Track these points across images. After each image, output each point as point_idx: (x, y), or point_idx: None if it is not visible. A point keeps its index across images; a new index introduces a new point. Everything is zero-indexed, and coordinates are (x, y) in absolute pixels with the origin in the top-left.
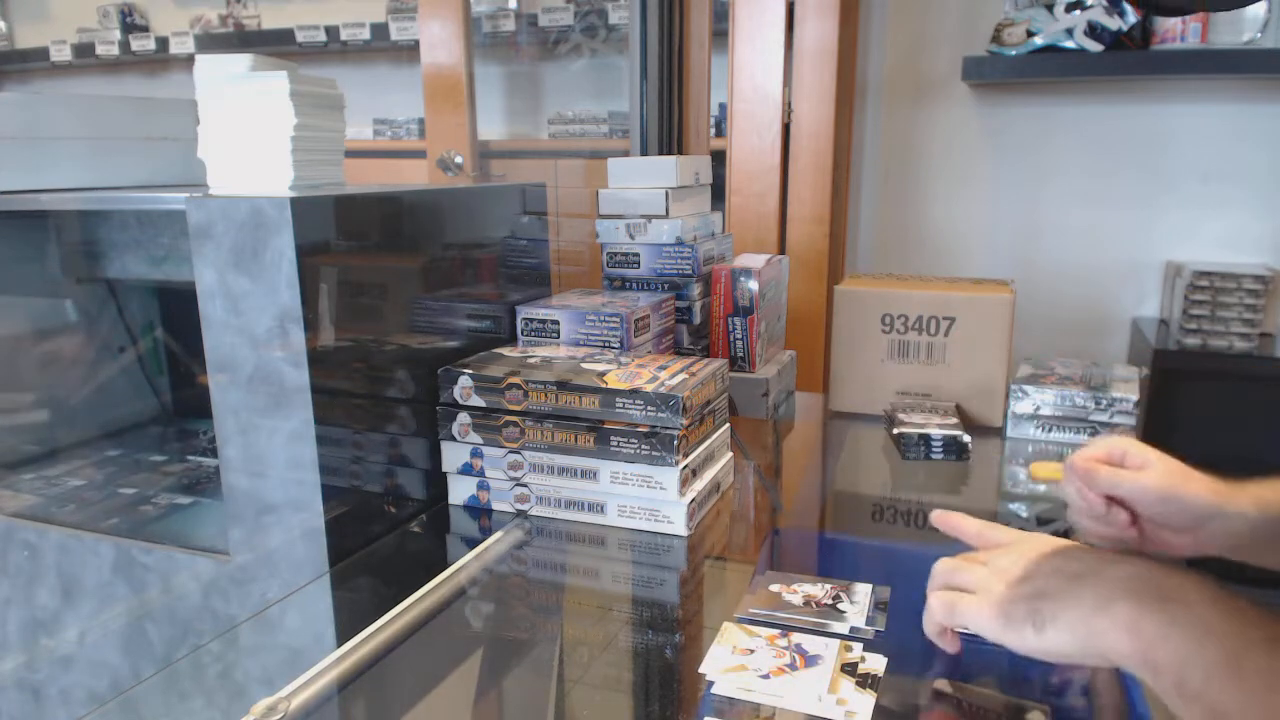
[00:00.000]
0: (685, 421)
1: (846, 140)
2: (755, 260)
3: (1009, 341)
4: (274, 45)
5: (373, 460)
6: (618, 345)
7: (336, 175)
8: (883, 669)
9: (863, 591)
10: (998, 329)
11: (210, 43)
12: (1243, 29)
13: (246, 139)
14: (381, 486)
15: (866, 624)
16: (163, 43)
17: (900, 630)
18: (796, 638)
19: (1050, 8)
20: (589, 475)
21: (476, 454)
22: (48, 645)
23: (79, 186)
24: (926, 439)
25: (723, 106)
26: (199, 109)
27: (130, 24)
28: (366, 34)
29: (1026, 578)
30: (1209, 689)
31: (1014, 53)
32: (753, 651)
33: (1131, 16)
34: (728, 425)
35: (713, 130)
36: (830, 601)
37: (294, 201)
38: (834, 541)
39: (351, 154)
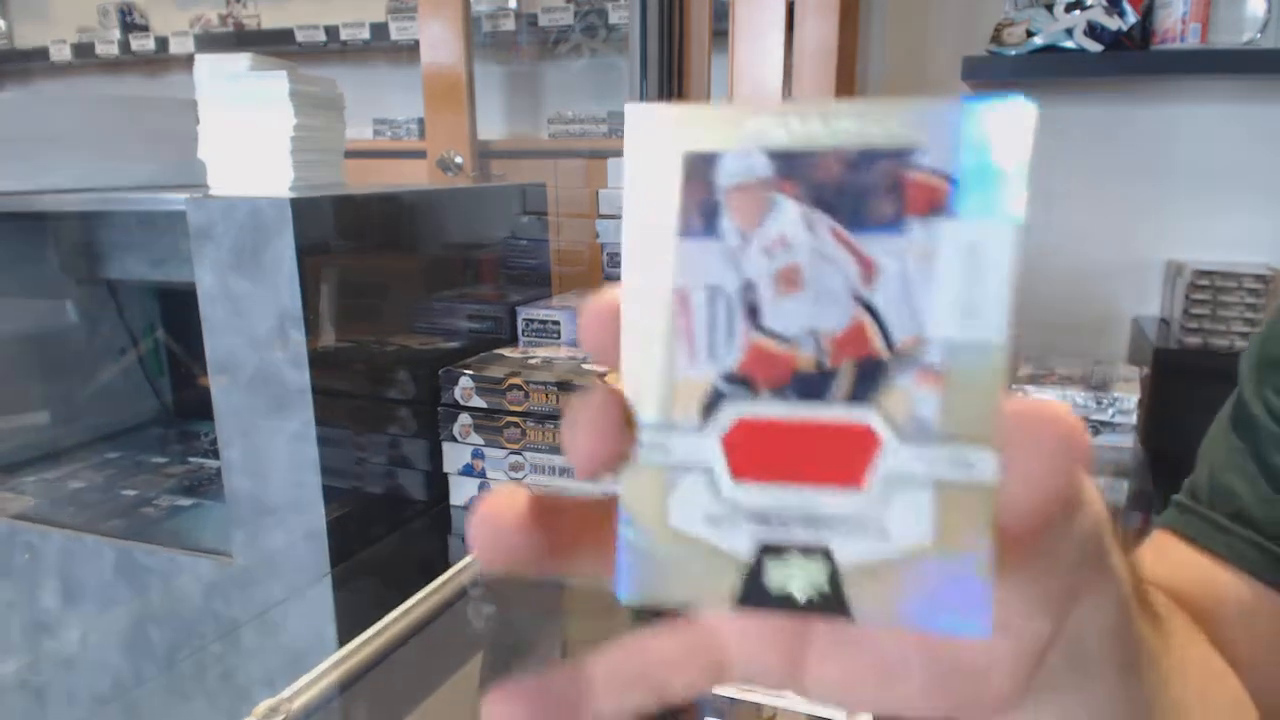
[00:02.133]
0: None
1: None
2: None
3: None
4: (274, 45)
5: (374, 461)
6: None
7: (336, 175)
8: None
9: None
10: None
11: (210, 42)
12: (1243, 29)
13: (246, 139)
14: (383, 488)
15: None
16: (163, 43)
17: None
18: None
19: (1050, 8)
20: None
21: (478, 455)
22: (51, 647)
23: (79, 187)
24: None
25: None
26: (199, 109)
27: (130, 24)
28: (366, 34)
29: None
30: None
31: (1014, 53)
32: None
33: (1131, 16)
34: None
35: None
36: None
37: (294, 202)
38: None
39: (351, 154)
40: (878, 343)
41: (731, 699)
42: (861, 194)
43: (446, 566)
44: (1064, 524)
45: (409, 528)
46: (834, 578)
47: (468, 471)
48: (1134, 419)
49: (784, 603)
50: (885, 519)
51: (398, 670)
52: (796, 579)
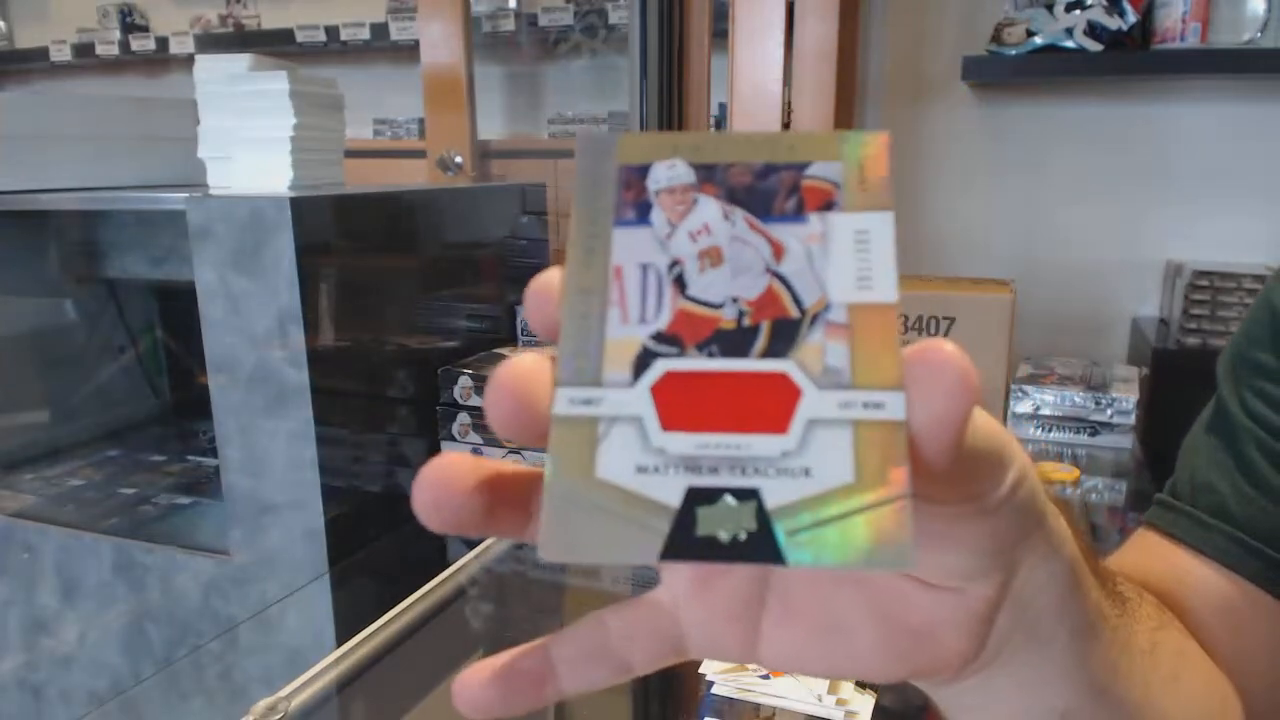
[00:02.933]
0: None
1: None
2: None
3: (1009, 341)
4: (274, 45)
5: (372, 460)
6: None
7: (336, 175)
8: None
9: None
10: (998, 329)
11: (210, 43)
12: (1243, 29)
13: (246, 139)
14: (381, 487)
15: None
16: (163, 43)
17: None
18: None
19: (1050, 7)
20: None
21: (476, 454)
22: (48, 645)
23: (79, 186)
24: None
25: (723, 106)
26: (199, 109)
27: (130, 24)
28: (366, 34)
29: None
30: None
31: (1014, 52)
32: None
33: (1131, 16)
34: None
35: (712, 130)
36: None
37: (294, 201)
38: None
39: (351, 154)
40: (790, 305)
41: (730, 699)
42: (768, 194)
43: (445, 566)
44: (995, 487)
45: (407, 527)
46: (763, 520)
47: None
48: (1133, 419)
49: (713, 549)
50: (808, 460)
51: (396, 669)
52: (726, 524)
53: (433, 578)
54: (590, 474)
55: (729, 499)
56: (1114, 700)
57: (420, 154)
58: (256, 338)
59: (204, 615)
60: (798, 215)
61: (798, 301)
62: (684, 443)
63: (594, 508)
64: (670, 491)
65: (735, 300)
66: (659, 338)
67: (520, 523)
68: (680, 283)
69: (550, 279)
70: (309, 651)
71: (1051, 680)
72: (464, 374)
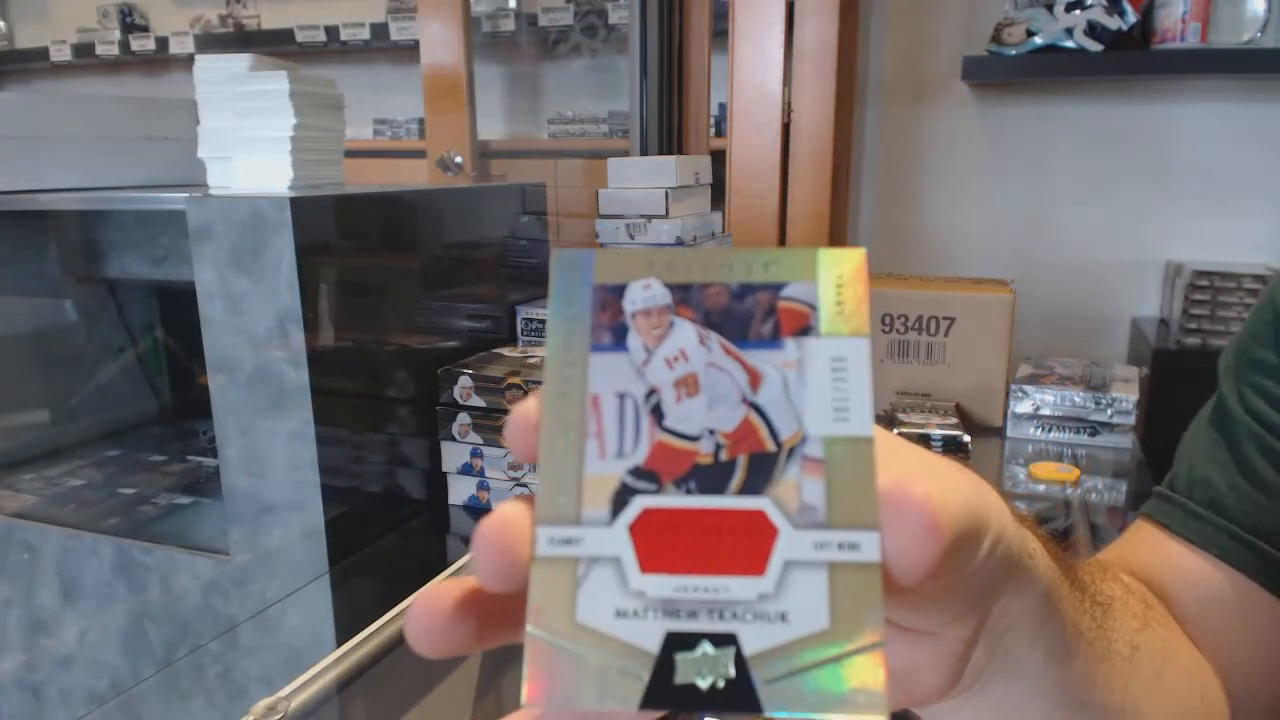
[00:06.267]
0: None
1: (846, 140)
2: None
3: (1009, 341)
4: (274, 45)
5: (372, 460)
6: None
7: (336, 175)
8: None
9: None
10: (998, 329)
11: (210, 43)
12: (1243, 29)
13: (246, 139)
14: (381, 486)
15: None
16: (163, 43)
17: None
18: None
19: (1050, 8)
20: None
21: (476, 454)
22: (48, 645)
23: (79, 186)
24: (926, 439)
25: (723, 106)
26: (199, 109)
27: (130, 24)
28: (366, 34)
29: None
30: None
31: (1014, 53)
32: None
33: (1131, 16)
34: None
35: (712, 130)
36: None
37: (294, 201)
38: None
39: (351, 154)
40: (767, 438)
41: None
42: (744, 317)
43: (445, 565)
44: (971, 559)
45: (407, 527)
46: (741, 667)
47: (466, 470)
48: (1133, 419)
49: (692, 697)
50: (785, 604)
51: (396, 669)
52: (704, 671)
53: (433, 578)
54: (571, 618)
55: (707, 645)
56: (1090, 709)
57: (420, 154)
58: (256, 338)
59: (204, 615)
60: (774, 340)
61: (774, 434)
62: (662, 585)
63: (575, 654)
64: (649, 637)
65: (712, 432)
66: (637, 473)
67: (512, 632)
68: (658, 413)
69: (529, 409)
70: (309, 651)
71: (1027, 700)
72: (464, 374)
